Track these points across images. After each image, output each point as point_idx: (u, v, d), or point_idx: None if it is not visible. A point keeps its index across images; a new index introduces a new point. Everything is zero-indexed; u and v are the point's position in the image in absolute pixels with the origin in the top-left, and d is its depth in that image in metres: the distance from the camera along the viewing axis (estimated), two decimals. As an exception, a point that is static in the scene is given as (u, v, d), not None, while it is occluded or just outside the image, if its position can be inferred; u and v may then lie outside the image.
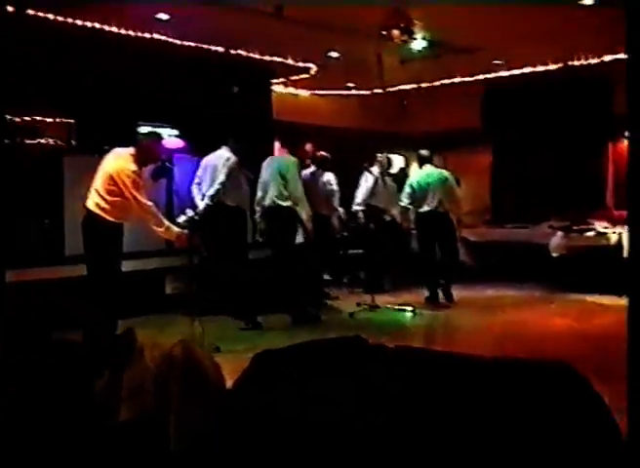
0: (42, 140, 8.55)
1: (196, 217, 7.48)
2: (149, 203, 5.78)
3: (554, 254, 9.26)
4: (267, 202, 7.77)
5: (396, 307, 8.22)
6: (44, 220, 7.63)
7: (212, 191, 7.70)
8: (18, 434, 1.70)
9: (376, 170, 9.53)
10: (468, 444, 1.53)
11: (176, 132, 9.07)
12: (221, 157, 7.86)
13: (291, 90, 11.55)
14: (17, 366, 1.93)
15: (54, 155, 7.98)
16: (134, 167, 5.68)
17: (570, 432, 1.58)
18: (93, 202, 5.67)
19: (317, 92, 11.84)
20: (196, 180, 8.01)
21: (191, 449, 1.64)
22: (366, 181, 9.55)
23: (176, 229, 5.88)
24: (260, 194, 7.92)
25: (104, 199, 5.61)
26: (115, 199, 5.61)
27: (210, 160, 7.98)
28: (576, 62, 9.79)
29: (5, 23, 7.16)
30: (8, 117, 8.11)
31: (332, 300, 8.94)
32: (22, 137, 8.34)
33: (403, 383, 1.59)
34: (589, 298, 8.60)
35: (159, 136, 6.21)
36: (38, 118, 8.52)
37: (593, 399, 1.66)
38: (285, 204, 7.65)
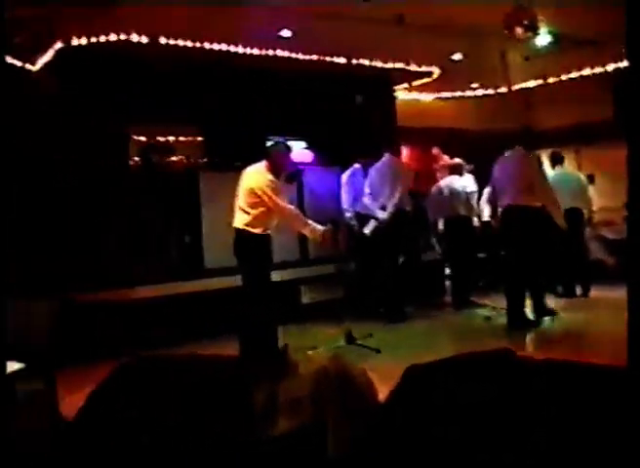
0: (177, 158, 9.00)
1: (381, 226, 7.85)
2: (291, 206, 6.02)
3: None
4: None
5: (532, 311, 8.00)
6: (184, 236, 7.99)
7: (396, 199, 7.96)
8: (178, 450, 1.81)
9: None
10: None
11: (304, 144, 9.27)
12: (396, 164, 8.20)
13: (413, 95, 11.51)
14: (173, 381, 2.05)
15: (190, 172, 8.34)
16: (270, 176, 5.87)
17: None
18: (239, 220, 5.90)
19: (440, 95, 11.75)
20: (367, 191, 8.24)
21: (347, 463, 1.69)
22: None
23: (319, 228, 5.98)
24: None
25: (249, 213, 5.82)
26: (258, 211, 5.80)
27: (380, 169, 8.21)
28: None
29: (139, 52, 7.64)
30: (144, 139, 8.62)
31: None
32: (160, 156, 8.80)
33: (555, 400, 1.58)
34: None
35: (287, 147, 6.36)
36: (173, 138, 8.98)
37: None
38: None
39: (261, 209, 5.80)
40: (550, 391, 1.62)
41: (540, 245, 7.24)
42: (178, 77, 8.29)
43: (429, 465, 1.62)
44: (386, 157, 8.26)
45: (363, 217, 8.31)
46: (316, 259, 8.48)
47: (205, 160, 8.95)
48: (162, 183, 8.11)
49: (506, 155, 7.67)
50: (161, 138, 8.91)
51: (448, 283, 9.93)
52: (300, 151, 9.11)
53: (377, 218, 7.99)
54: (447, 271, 10.01)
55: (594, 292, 9.02)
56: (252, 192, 5.83)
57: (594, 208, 9.92)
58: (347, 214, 8.51)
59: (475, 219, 9.36)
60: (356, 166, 8.69)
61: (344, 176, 8.73)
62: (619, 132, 11.51)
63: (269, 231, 5.94)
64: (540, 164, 7.61)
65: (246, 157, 8.29)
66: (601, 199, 10.64)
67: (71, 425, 2.03)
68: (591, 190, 9.89)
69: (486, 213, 8.86)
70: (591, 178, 10.93)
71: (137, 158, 8.57)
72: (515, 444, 1.58)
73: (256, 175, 5.94)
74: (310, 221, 6.01)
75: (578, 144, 11.28)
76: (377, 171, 8.22)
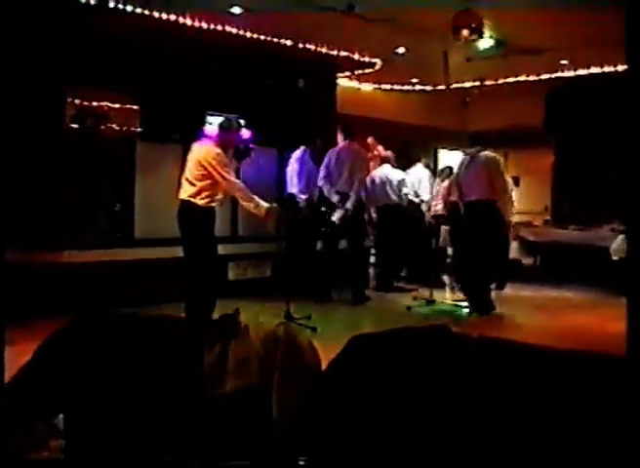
0: (114, 126, 8.85)
1: (348, 214, 8.06)
2: (237, 180, 6.01)
3: (615, 258, 9.19)
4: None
5: (452, 303, 8.30)
6: (115, 204, 7.92)
7: (356, 187, 8.26)
8: (129, 405, 1.88)
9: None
10: (550, 435, 1.66)
11: (243, 122, 9.27)
12: (358, 151, 8.42)
13: (354, 83, 11.66)
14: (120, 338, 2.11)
15: (127, 141, 8.25)
16: (218, 150, 5.92)
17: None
18: (184, 191, 5.92)
19: (381, 86, 11.94)
20: (323, 174, 8.37)
21: (290, 423, 1.80)
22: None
23: (265, 205, 5.97)
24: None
25: (194, 185, 5.85)
26: (204, 183, 5.83)
27: (340, 154, 8.36)
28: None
29: (85, 12, 7.50)
30: (78, 102, 8.45)
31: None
32: (95, 123, 8.63)
33: (489, 375, 1.73)
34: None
35: (239, 124, 6.40)
36: (110, 104, 8.83)
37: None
38: None
39: (208, 181, 5.83)
40: (485, 366, 1.77)
41: (496, 239, 7.93)
42: (122, 43, 8.15)
43: (366, 431, 1.75)
44: (347, 143, 8.42)
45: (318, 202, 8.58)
46: (245, 237, 8.56)
47: (140, 129, 8.83)
48: (97, 149, 8.00)
49: (472, 154, 8.04)
50: (95, 104, 8.75)
51: (372, 271, 10.20)
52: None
53: (344, 207, 8.21)
54: (372, 259, 10.25)
55: (510, 290, 9.39)
56: (199, 164, 5.85)
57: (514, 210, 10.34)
58: (302, 197, 8.65)
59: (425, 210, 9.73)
60: (303, 148, 8.81)
61: (294, 160, 8.83)
62: (544, 139, 12.05)
63: (214, 204, 5.97)
64: (501, 164, 8.02)
65: (184, 130, 8.32)
66: (524, 202, 11.07)
67: (17, 378, 2.08)
68: (516, 193, 10.28)
69: (439, 207, 9.24)
70: (516, 181, 11.33)
71: (71, 120, 8.39)
72: (448, 415, 1.72)
73: (204, 148, 5.97)
74: (256, 197, 6.00)
75: (506, 147, 11.66)
76: (336, 155, 8.36)
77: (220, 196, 5.99)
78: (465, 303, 8.18)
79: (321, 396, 1.84)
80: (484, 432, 1.67)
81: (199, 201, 5.84)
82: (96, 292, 7.16)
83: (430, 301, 8.19)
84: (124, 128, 8.83)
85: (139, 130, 8.80)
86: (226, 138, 6.08)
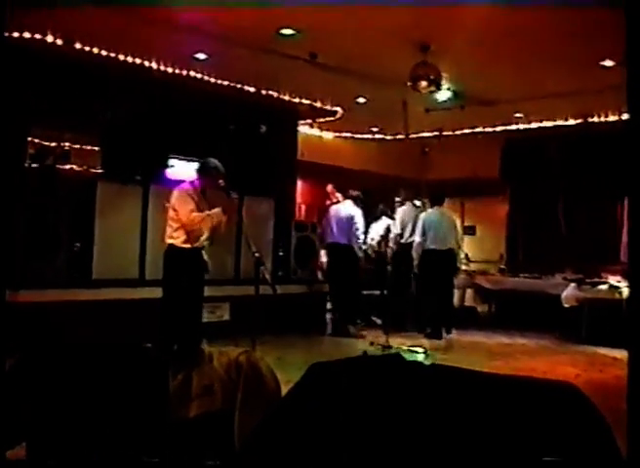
0: (74, 167, 8.83)
1: None
2: (196, 213, 6.05)
3: (566, 305, 9.41)
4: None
5: (408, 348, 8.36)
6: (74, 244, 7.83)
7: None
8: (97, 425, 1.91)
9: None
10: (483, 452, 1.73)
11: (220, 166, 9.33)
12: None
13: (315, 131, 11.86)
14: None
15: (88, 181, 8.23)
16: (180, 188, 6.13)
17: (572, 445, 1.79)
18: (167, 235, 6.12)
19: (341, 134, 12.17)
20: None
21: (251, 446, 1.84)
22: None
23: (216, 210, 6.09)
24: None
25: (173, 228, 6.06)
26: (179, 225, 6.02)
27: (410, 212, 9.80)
28: (595, 119, 10.09)
29: (50, 52, 7.56)
30: (37, 141, 8.44)
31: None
32: (55, 162, 8.61)
33: (434, 397, 1.80)
34: (600, 350, 8.68)
35: (216, 169, 6.42)
36: (71, 144, 8.84)
37: (595, 417, 1.87)
38: None
39: (179, 224, 6.02)
40: (435, 390, 1.84)
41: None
42: (86, 83, 8.21)
43: (322, 451, 1.80)
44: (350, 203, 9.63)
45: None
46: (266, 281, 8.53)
47: (101, 170, 8.80)
48: (57, 188, 7.97)
49: (438, 210, 9.43)
50: (56, 144, 8.75)
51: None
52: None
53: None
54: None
55: (466, 336, 9.51)
56: (170, 207, 6.12)
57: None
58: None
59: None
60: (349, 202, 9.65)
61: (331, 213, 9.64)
62: (500, 189, 12.45)
63: (198, 245, 6.03)
64: None
65: (146, 172, 8.35)
66: (480, 250, 11.30)
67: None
68: (472, 241, 10.51)
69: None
70: (473, 230, 11.56)
71: (31, 159, 8.36)
72: (399, 438, 1.78)
73: (174, 192, 6.22)
74: (207, 211, 6.08)
75: (463, 197, 11.93)
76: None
77: (204, 236, 6.06)
78: (421, 349, 8.27)
79: (280, 418, 1.89)
80: (435, 452, 1.74)
81: (182, 244, 5.98)
82: (50, 333, 7.04)
83: (387, 347, 8.26)
84: (85, 168, 8.82)
85: (100, 171, 8.78)
86: (206, 172, 6.26)
